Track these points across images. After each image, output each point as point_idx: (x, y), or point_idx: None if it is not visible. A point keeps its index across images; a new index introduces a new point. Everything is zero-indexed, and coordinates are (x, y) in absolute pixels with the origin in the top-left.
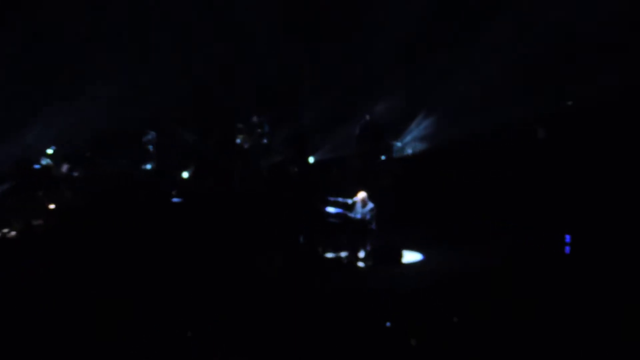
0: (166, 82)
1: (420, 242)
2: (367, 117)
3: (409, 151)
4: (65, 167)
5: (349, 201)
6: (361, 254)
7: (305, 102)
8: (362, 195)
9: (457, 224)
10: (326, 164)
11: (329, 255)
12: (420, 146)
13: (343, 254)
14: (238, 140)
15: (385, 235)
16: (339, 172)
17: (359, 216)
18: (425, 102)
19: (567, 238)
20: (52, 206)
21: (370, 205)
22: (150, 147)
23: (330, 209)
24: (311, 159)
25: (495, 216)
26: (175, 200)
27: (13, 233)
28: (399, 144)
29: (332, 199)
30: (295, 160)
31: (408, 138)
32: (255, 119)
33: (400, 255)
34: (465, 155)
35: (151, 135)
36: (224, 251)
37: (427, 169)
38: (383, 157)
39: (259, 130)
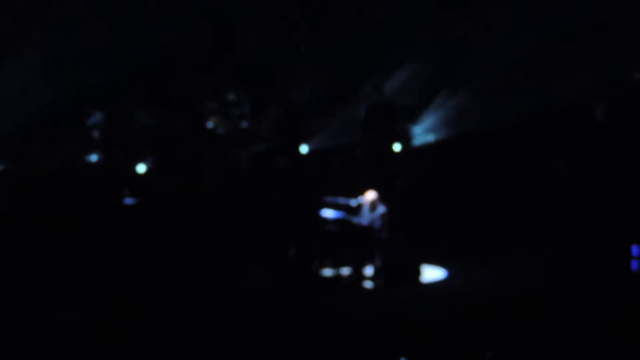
0: (116, 47)
1: (444, 255)
2: (376, 95)
3: (431, 139)
4: None
5: (353, 203)
6: (368, 271)
7: (298, 76)
8: (370, 195)
9: (490, 232)
10: (324, 155)
11: (327, 272)
12: (444, 133)
13: (345, 271)
14: (210, 124)
15: (399, 246)
16: (341, 166)
17: (365, 222)
18: (450, 77)
19: (635, 250)
20: None
21: (380, 208)
22: (96, 133)
23: (329, 213)
24: (304, 149)
25: (540, 221)
26: (127, 201)
27: None
28: (417, 130)
29: (331, 200)
30: (284, 150)
31: (429, 122)
32: (232, 97)
33: (418, 273)
34: (501, 143)
35: (97, 117)
36: (189, 269)
37: (453, 162)
38: (397, 147)
39: (237, 111)
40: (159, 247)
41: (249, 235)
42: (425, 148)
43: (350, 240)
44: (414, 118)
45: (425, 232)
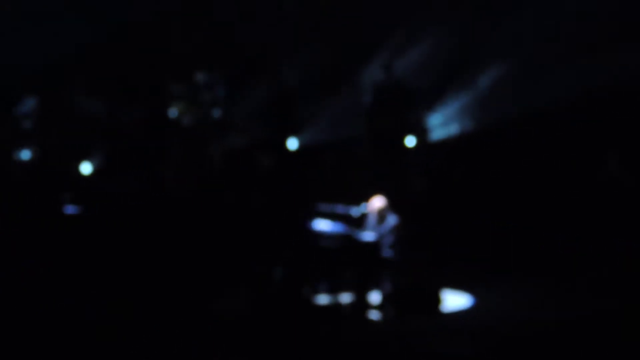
0: (56, 16)
1: (469, 276)
2: (385, 76)
3: (453, 131)
4: None
5: (355, 212)
6: (375, 298)
7: (286, 52)
8: (377, 203)
9: (527, 248)
10: (318, 152)
11: (322, 299)
12: (470, 123)
13: (345, 298)
14: (174, 113)
15: (414, 266)
16: (339, 166)
17: (371, 237)
18: (477, 52)
19: None
20: None
21: (392, 219)
22: (28, 123)
23: (325, 225)
24: (293, 143)
25: (590, 235)
26: (69, 210)
27: None
28: (436, 119)
29: (327, 208)
30: (267, 144)
31: (451, 109)
32: (201, 77)
33: (437, 300)
34: (540, 137)
35: (29, 103)
36: (147, 294)
37: (481, 160)
38: (411, 141)
39: (208, 96)
40: (107, 269)
41: (222, 252)
42: (446, 143)
43: (352, 260)
44: (432, 104)
45: (446, 247)
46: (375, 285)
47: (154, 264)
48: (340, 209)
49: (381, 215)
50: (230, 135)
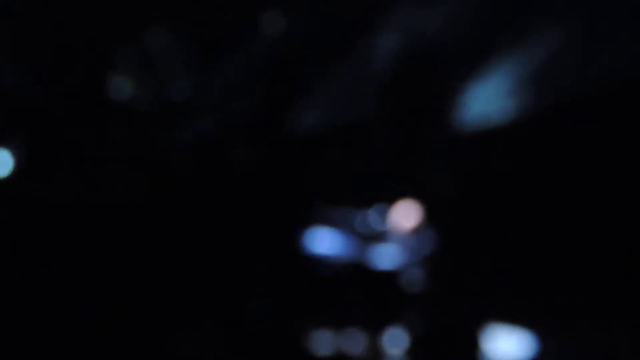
0: None
1: (524, 311)
2: (405, 37)
3: (500, 112)
4: None
5: (375, 222)
6: (391, 341)
7: (273, 4)
8: (406, 211)
9: (606, 272)
10: (318, 138)
11: (321, 344)
12: (527, 101)
13: (354, 342)
14: (118, 90)
15: (445, 300)
16: (346, 156)
17: (393, 263)
18: (534, 6)
19: None
20: None
21: (427, 238)
22: None
23: (326, 242)
24: (284, 129)
25: None
26: None
27: None
28: (475, 96)
29: (329, 214)
30: (251, 130)
31: (500, 82)
32: (158, 40)
33: (475, 346)
34: (623, 123)
35: None
36: (78, 332)
37: (540, 151)
38: (441, 128)
39: (169, 65)
40: (29, 300)
41: (182, 277)
42: (488, 128)
43: (364, 294)
44: (469, 77)
45: (491, 271)
46: (391, 322)
47: (92, 290)
48: (346, 215)
49: (411, 226)
50: (199, 118)
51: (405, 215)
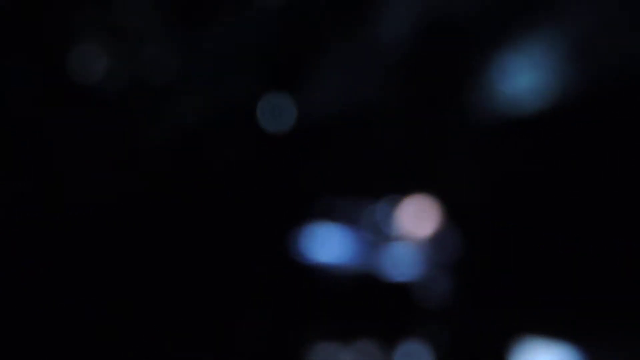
0: None
1: (564, 323)
2: (419, 6)
3: (534, 100)
4: None
5: (387, 222)
6: (405, 355)
7: None
8: (423, 206)
9: None
10: (323, 125)
11: (323, 355)
12: (569, 81)
13: (359, 354)
14: (84, 66)
15: (470, 312)
16: (354, 146)
17: (409, 274)
18: None
19: None
20: None
21: (449, 245)
22: None
23: (329, 248)
24: (285, 115)
25: None
26: None
27: None
28: (504, 80)
29: (333, 211)
30: (244, 116)
31: (530, 66)
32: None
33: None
34: None
35: None
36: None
37: (585, 142)
38: (467, 113)
39: (140, 31)
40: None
41: (163, 289)
42: (525, 113)
43: (376, 308)
44: (501, 53)
45: (525, 278)
46: (406, 335)
47: (57, 302)
48: (353, 215)
49: (432, 234)
50: (182, 104)
51: (423, 213)
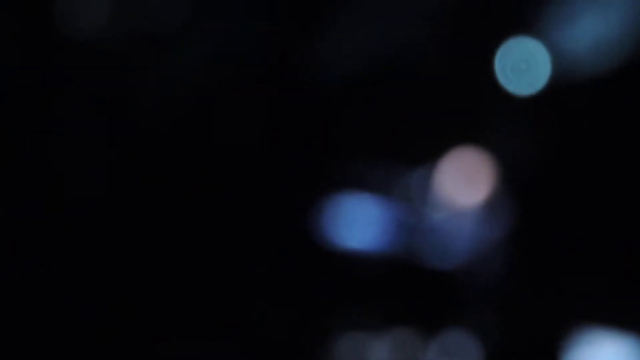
0: None
1: (629, 313)
2: None
3: (597, 63)
4: None
5: (423, 195)
6: (444, 345)
7: None
8: (466, 169)
9: None
10: (343, 83)
11: (349, 342)
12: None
13: (393, 342)
14: (74, 21)
15: (522, 300)
16: (384, 105)
17: (454, 260)
18: None
19: None
20: None
21: (500, 219)
22: None
23: (358, 230)
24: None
25: None
26: None
27: None
28: (562, 38)
29: (358, 182)
30: (257, 69)
31: (594, 21)
32: None
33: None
34: None
35: None
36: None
37: None
38: (520, 70)
39: None
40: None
41: (158, 277)
42: (587, 81)
43: (411, 283)
44: (556, 6)
45: (585, 261)
46: (460, 326)
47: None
48: (383, 186)
49: (479, 208)
50: (186, 58)
51: (469, 179)
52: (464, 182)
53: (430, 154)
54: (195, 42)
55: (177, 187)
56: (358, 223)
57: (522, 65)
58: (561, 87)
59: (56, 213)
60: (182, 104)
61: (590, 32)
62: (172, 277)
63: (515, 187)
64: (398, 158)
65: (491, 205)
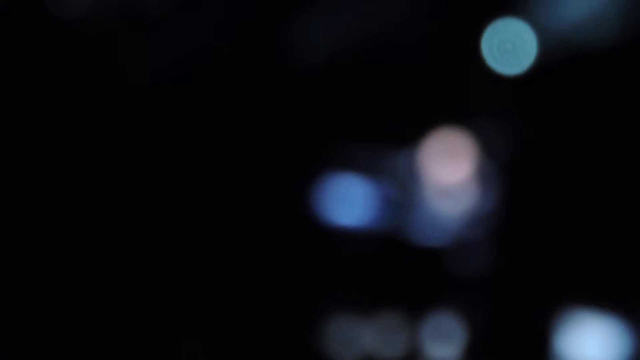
0: None
1: (617, 295)
2: None
3: (590, 36)
4: None
5: (411, 173)
6: (441, 343)
7: None
8: (450, 147)
9: None
10: (333, 63)
11: (339, 346)
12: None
13: (385, 345)
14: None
15: (510, 282)
16: (375, 88)
17: (439, 237)
18: None
19: None
20: None
21: (484, 196)
22: None
23: (345, 207)
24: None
25: None
26: None
27: None
28: (553, 11)
29: (348, 161)
30: (250, 55)
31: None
32: None
33: (549, 341)
34: None
35: None
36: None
37: None
38: (512, 55)
39: None
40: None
41: (153, 263)
42: (576, 56)
43: (400, 278)
44: None
45: (574, 242)
46: (447, 309)
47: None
48: (372, 165)
49: (465, 186)
50: (177, 39)
51: (454, 156)
52: (450, 160)
53: (417, 134)
54: (186, 19)
55: (171, 171)
56: (348, 202)
57: (509, 46)
58: (547, 66)
59: (52, 203)
60: (173, 88)
61: (576, 11)
62: (170, 252)
63: (502, 165)
64: (386, 139)
65: (479, 184)
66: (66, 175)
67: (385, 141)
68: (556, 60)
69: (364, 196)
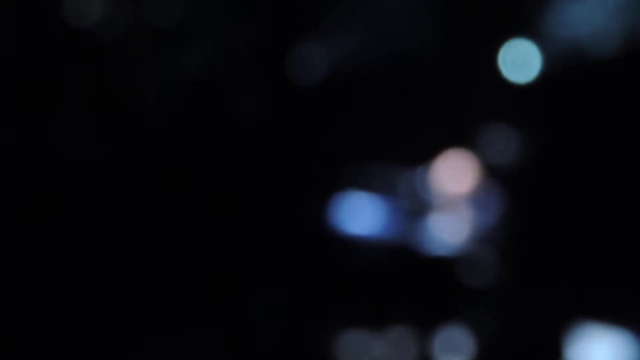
0: None
1: (623, 307)
2: None
3: (596, 45)
4: None
5: (422, 189)
6: (451, 353)
7: None
8: (460, 164)
9: None
10: (351, 77)
11: (350, 356)
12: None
13: (395, 355)
14: (77, 11)
15: (518, 293)
16: (387, 100)
17: (449, 247)
18: None
19: None
20: None
21: (491, 207)
22: None
23: (357, 218)
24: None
25: None
26: None
27: None
28: (562, 21)
29: (361, 177)
30: (258, 67)
31: (592, 5)
32: None
33: (558, 352)
34: None
35: None
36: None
37: None
38: (519, 65)
39: None
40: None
41: (158, 270)
42: (584, 64)
43: (411, 288)
44: None
45: (581, 254)
46: (454, 324)
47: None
48: (384, 181)
49: (473, 200)
50: (188, 52)
51: (463, 173)
52: (460, 174)
53: (428, 149)
54: (197, 32)
55: (182, 181)
56: (359, 215)
57: (519, 61)
58: (550, 77)
59: (54, 201)
60: (183, 94)
61: (577, 29)
62: (180, 260)
63: (510, 178)
64: (397, 153)
65: (488, 197)
66: (67, 175)
67: (396, 156)
68: (563, 72)
69: (375, 209)
